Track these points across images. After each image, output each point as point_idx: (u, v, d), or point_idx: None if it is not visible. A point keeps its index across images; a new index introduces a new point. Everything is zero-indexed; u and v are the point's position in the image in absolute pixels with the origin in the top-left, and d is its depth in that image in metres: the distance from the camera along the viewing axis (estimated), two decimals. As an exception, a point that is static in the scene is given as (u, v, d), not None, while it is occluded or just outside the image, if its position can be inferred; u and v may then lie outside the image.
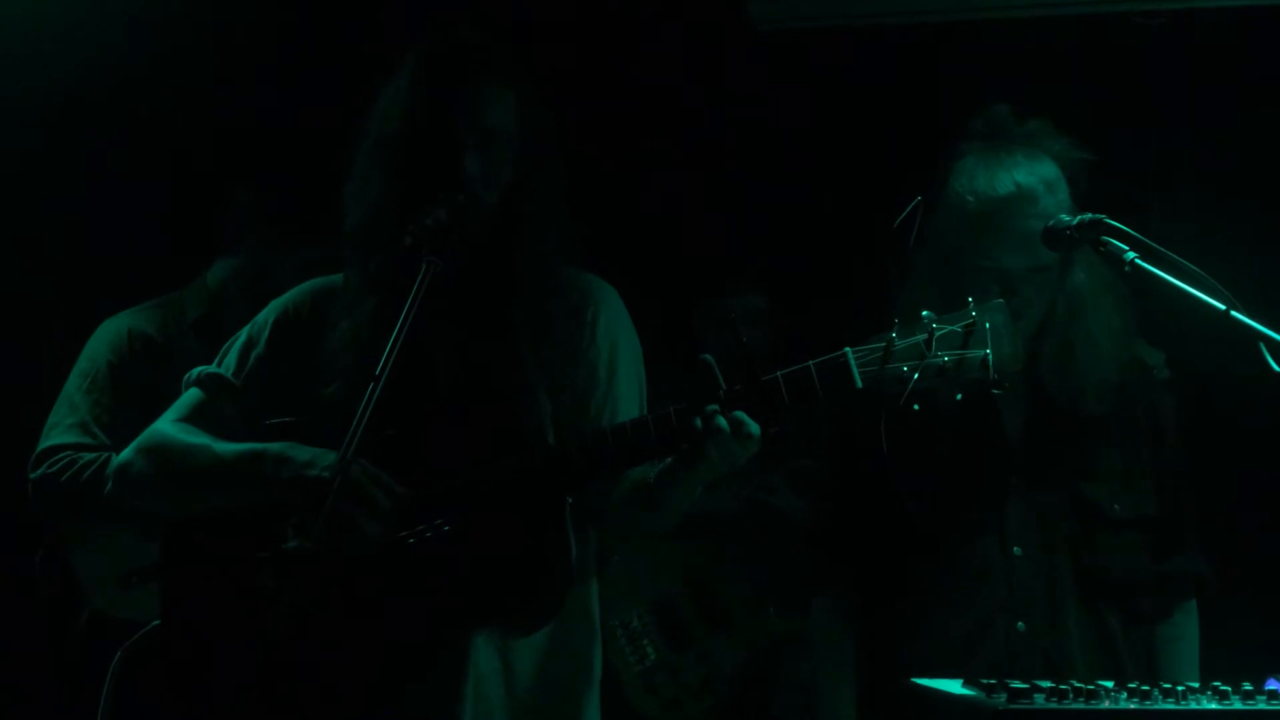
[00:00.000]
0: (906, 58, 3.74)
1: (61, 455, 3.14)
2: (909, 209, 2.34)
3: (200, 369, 2.22)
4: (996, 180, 2.28)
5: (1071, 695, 1.90)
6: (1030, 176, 2.28)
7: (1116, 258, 2.15)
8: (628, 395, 2.19)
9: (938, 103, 3.50)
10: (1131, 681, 1.94)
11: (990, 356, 1.93)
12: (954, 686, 2.00)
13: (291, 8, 3.83)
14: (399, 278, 2.04)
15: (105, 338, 3.26)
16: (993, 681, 1.95)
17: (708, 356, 1.99)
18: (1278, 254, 3.40)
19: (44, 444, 3.17)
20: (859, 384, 1.95)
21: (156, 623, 2.18)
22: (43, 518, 3.19)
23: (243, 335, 2.24)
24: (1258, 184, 3.53)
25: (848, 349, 1.97)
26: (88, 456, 3.11)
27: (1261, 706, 1.89)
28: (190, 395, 2.21)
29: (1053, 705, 1.89)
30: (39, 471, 3.14)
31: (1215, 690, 1.92)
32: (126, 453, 2.20)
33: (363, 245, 2.15)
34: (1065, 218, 2.25)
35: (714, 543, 3.54)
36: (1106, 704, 1.90)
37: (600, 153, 3.64)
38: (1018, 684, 1.92)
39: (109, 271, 3.66)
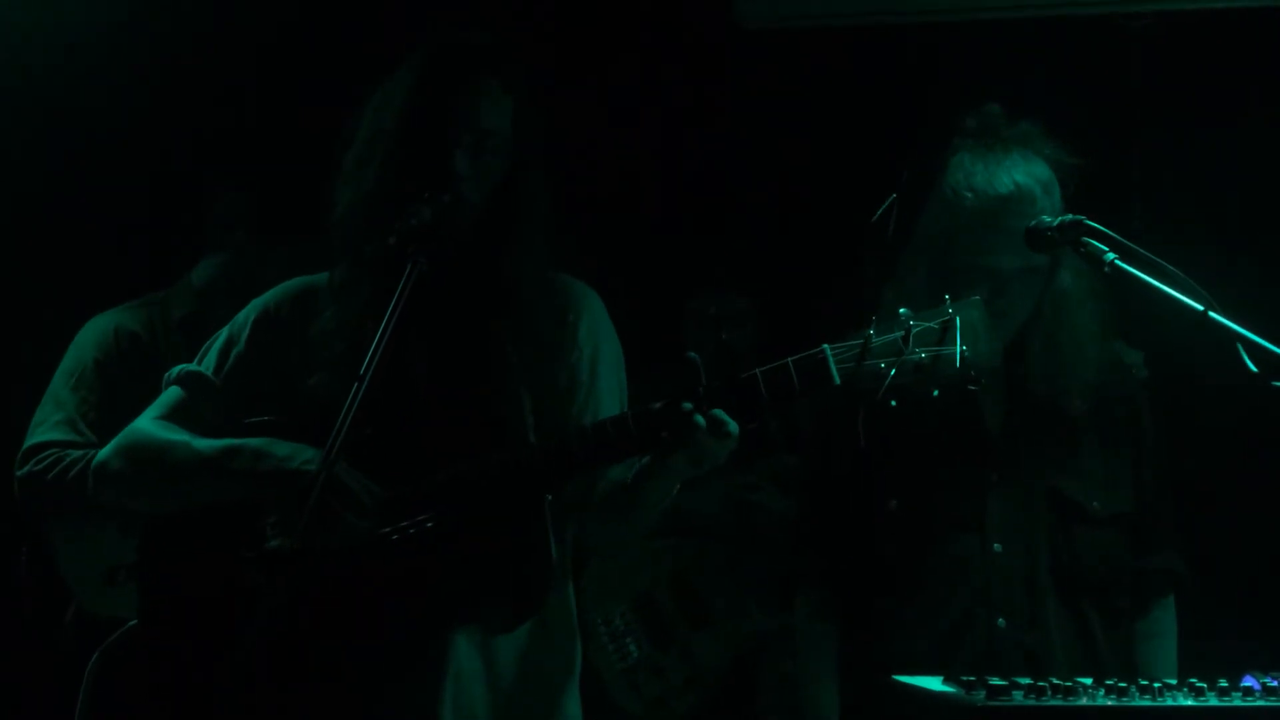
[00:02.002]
0: (893, 57, 3.75)
1: (48, 453, 3.14)
2: (885, 205, 2.35)
3: (180, 367, 2.23)
4: (995, 179, 2.29)
5: (1049, 692, 1.92)
6: (1028, 177, 2.30)
7: (1096, 259, 2.16)
8: (608, 398, 2.20)
9: (924, 102, 3.51)
10: (1110, 678, 1.96)
11: (966, 353, 1.94)
12: (934, 684, 2.01)
13: (288, 7, 3.84)
14: (385, 273, 2.05)
15: (92, 335, 3.27)
16: (972, 678, 1.96)
17: (693, 355, 2.00)
18: (1258, 255, 3.42)
19: (30, 441, 3.17)
20: (837, 380, 1.97)
21: (134, 623, 2.18)
22: (28, 515, 3.19)
23: (223, 334, 2.24)
24: (1241, 185, 3.54)
25: (826, 345, 1.98)
26: (74, 454, 3.12)
27: (1237, 703, 1.91)
28: (170, 393, 2.22)
29: (1031, 702, 1.91)
30: (25, 469, 3.15)
31: (1191, 687, 1.93)
32: (106, 451, 2.21)
33: (350, 236, 2.17)
34: (1047, 219, 2.27)
35: (696, 540, 3.55)
36: (1084, 700, 1.92)
37: (586, 151, 3.66)
38: (997, 681, 1.94)
39: (96, 269, 3.66)
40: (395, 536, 2.02)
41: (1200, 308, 2.03)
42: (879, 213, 2.35)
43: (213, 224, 3.33)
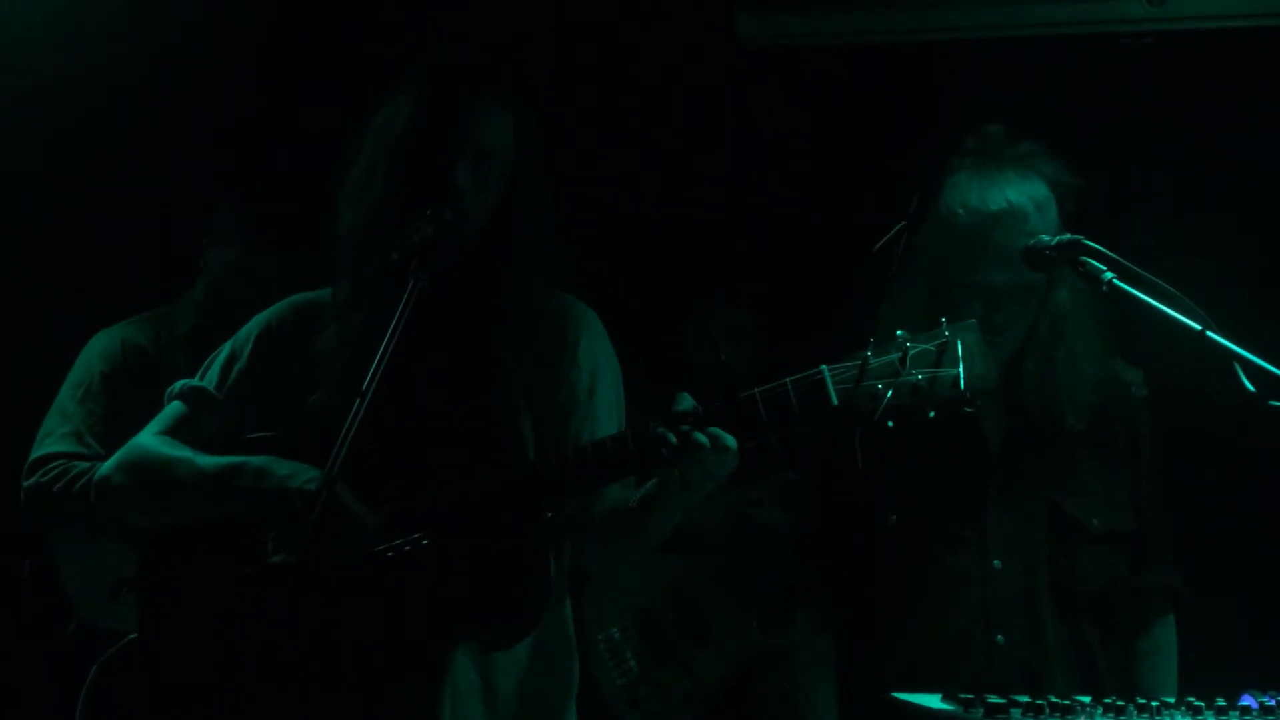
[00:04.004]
0: (892, 76, 3.77)
1: (54, 464, 3.16)
2: (891, 234, 2.37)
3: (183, 382, 2.24)
4: (988, 196, 2.31)
5: (1048, 710, 1.93)
6: (1021, 195, 2.31)
7: (1095, 278, 2.17)
8: (607, 417, 2.22)
9: (923, 120, 3.53)
10: (1108, 696, 1.97)
11: (961, 375, 1.96)
12: (933, 701, 2.02)
13: (288, 16, 3.86)
14: (388, 290, 2.06)
15: (98, 349, 3.28)
16: (971, 696, 1.97)
17: (684, 394, 2.02)
18: (1256, 274, 3.42)
19: (37, 453, 3.19)
20: (835, 401, 1.98)
21: (133, 636, 2.19)
22: (33, 526, 3.21)
23: (225, 349, 2.26)
24: (1239, 204, 3.56)
25: (824, 366, 1.99)
26: (80, 466, 3.13)
27: (1234, 722, 1.92)
28: (173, 408, 2.23)
29: (1029, 720, 1.92)
30: (31, 480, 3.16)
31: (1189, 706, 1.94)
32: (108, 465, 2.22)
33: (353, 253, 2.18)
34: (1045, 238, 2.28)
35: (697, 556, 3.55)
36: (1082, 719, 1.92)
37: (590, 168, 3.68)
38: (995, 699, 1.95)
39: (104, 283, 3.67)
40: (394, 553, 2.02)
41: (1198, 327, 2.04)
42: (884, 240, 2.36)
43: (211, 236, 3.34)
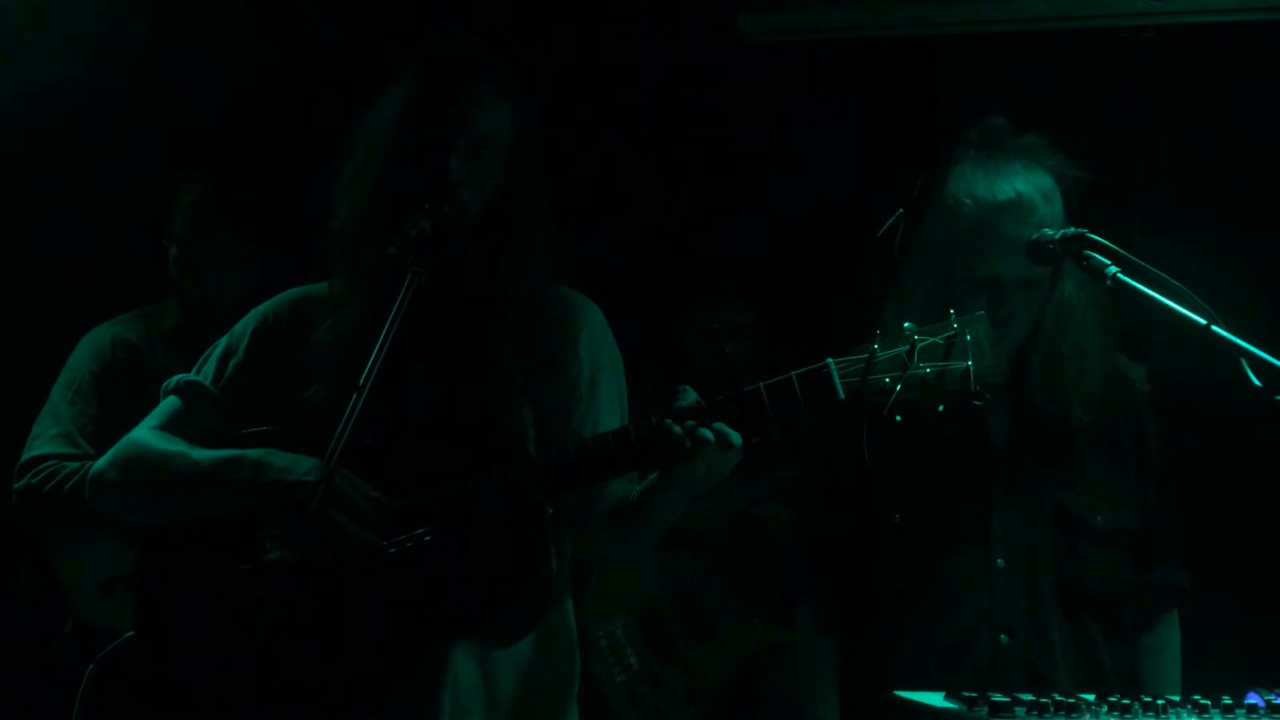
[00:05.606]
0: (895, 70, 3.77)
1: (45, 465, 3.15)
2: (890, 221, 2.35)
3: (179, 376, 2.23)
4: (996, 187, 2.30)
5: (1052, 709, 1.91)
6: (1029, 185, 2.30)
7: (1099, 272, 2.16)
8: (609, 411, 2.20)
9: (926, 114, 3.52)
10: (1113, 694, 1.95)
11: (971, 368, 1.94)
12: (936, 699, 2.00)
13: (284, 16, 3.85)
14: (385, 283, 2.05)
15: (89, 347, 3.27)
16: (974, 695, 1.96)
17: (687, 389, 2.00)
18: (1260, 269, 3.42)
19: (28, 454, 3.18)
20: (841, 394, 1.96)
21: (130, 634, 2.17)
22: (26, 527, 3.19)
23: (222, 343, 2.24)
24: (1242, 197, 3.55)
25: (830, 360, 1.97)
26: (71, 466, 3.12)
27: (1241, 720, 1.90)
28: (168, 403, 2.21)
29: (1034, 719, 1.90)
30: (23, 482, 3.15)
31: (1195, 704, 1.92)
32: (103, 461, 2.20)
33: (350, 246, 2.16)
34: (1049, 232, 2.27)
35: (698, 553, 3.55)
36: (1087, 717, 1.91)
37: (590, 164, 3.67)
38: (999, 697, 1.93)
39: (94, 281, 3.66)
40: (394, 549, 2.01)
41: (1203, 322, 2.02)
42: (884, 228, 2.35)
43: (171, 222, 3.30)
